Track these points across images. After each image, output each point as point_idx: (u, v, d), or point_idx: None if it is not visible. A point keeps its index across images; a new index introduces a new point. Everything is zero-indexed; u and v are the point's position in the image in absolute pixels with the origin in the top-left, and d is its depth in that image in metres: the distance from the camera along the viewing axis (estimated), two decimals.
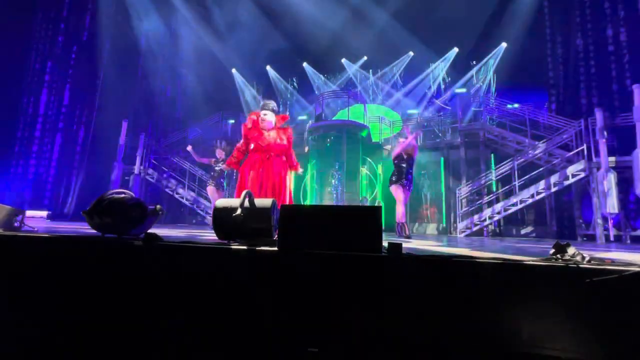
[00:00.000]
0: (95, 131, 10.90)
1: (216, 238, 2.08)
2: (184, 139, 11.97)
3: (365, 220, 1.57)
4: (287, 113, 13.51)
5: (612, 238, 6.75)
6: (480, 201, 8.59)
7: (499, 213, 8.08)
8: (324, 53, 13.43)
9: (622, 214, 6.92)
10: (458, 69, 12.81)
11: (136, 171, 10.31)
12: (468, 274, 1.32)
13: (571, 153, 7.62)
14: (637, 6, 8.03)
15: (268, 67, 14.76)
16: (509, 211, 8.01)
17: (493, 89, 12.08)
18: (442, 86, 12.89)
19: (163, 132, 12.35)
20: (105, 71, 11.06)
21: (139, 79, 12.11)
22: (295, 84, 15.07)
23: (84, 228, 3.07)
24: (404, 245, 1.56)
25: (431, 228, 9.62)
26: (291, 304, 1.46)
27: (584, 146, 7.33)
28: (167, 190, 10.81)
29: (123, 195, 2.22)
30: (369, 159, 9.97)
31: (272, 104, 3.34)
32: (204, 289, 1.58)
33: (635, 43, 7.94)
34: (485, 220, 8.18)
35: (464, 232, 8.23)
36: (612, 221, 6.83)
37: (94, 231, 2.13)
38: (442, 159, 9.76)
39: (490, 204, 8.43)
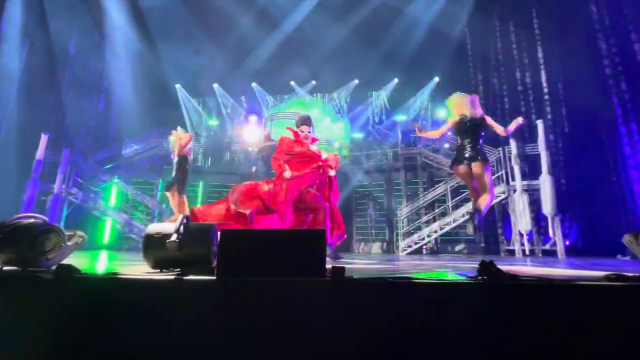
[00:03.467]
0: (4, 145, 9.43)
1: (147, 268, 1.89)
2: (117, 155, 10.96)
3: (308, 244, 1.55)
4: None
5: (527, 252, 7.66)
6: (418, 220, 9.17)
7: (435, 232, 8.69)
8: (273, 74, 13.59)
9: (535, 230, 7.92)
10: (399, 97, 13.85)
11: (56, 190, 9.08)
12: (406, 296, 1.37)
13: (493, 177, 8.61)
14: (537, 54, 9.74)
15: (215, 85, 14.42)
16: (444, 229, 8.66)
17: (429, 116, 13.25)
18: (384, 114, 13.80)
19: (93, 148, 11.14)
20: (22, 78, 9.78)
21: (66, 89, 10.93)
22: (244, 103, 14.89)
23: None
24: (349, 267, 1.57)
25: (375, 247, 9.96)
26: (231, 337, 1.36)
27: (503, 171, 8.35)
28: (94, 212, 9.68)
29: (32, 221, 1.92)
30: None
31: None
32: (129, 328, 1.40)
33: (537, 84, 9.60)
34: (424, 238, 8.72)
35: (406, 250, 8.66)
36: (527, 237, 7.77)
37: None
38: (384, 180, 10.31)
39: (428, 223, 9.04)
